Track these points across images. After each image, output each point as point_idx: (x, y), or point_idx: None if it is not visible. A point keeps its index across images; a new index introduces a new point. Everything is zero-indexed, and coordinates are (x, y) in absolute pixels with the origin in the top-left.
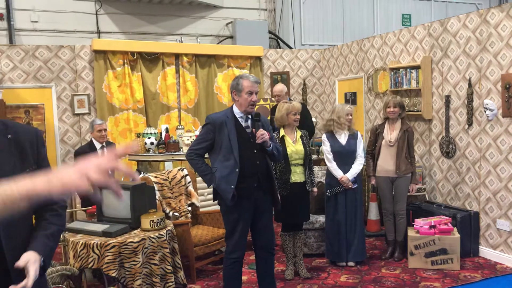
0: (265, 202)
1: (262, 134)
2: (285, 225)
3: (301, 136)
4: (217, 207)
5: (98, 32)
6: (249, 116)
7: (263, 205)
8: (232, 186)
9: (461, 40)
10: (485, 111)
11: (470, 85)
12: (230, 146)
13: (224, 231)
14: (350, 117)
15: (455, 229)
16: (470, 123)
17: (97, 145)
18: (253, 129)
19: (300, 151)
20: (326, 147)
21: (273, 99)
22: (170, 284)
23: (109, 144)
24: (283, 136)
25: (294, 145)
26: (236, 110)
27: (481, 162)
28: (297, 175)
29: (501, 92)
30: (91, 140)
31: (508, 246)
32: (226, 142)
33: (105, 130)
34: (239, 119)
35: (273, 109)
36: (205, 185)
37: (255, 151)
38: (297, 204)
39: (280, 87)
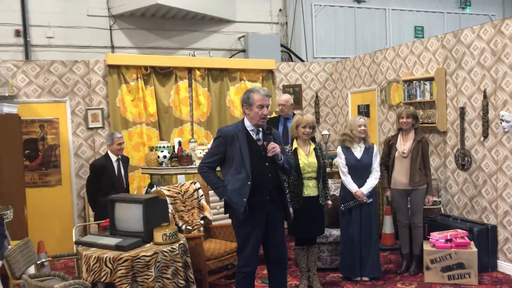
0: (277, 215)
1: (273, 147)
2: (299, 239)
3: (314, 149)
4: (230, 221)
5: (112, 47)
6: (260, 129)
7: (275, 219)
8: (244, 199)
9: (475, 52)
10: (501, 123)
11: (485, 96)
12: (241, 159)
13: (237, 244)
14: (363, 127)
15: (472, 243)
16: (486, 135)
17: (113, 158)
18: (264, 142)
19: (313, 164)
20: (341, 160)
21: (277, 109)
22: None
23: (124, 157)
24: (296, 149)
25: (307, 158)
26: (247, 123)
27: (498, 175)
28: (310, 189)
29: None
30: (107, 153)
31: None
32: (238, 155)
33: (124, 143)
34: (250, 132)
35: (270, 121)
36: (217, 198)
37: (267, 164)
38: (310, 218)
39: (285, 97)
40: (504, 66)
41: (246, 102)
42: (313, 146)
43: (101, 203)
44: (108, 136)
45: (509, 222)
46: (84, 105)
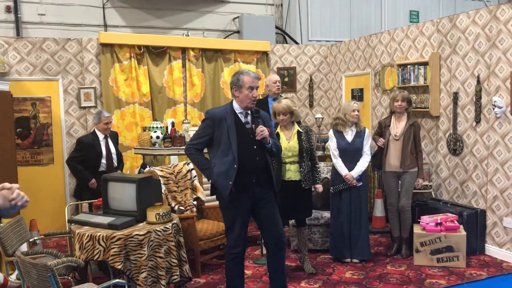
0: (266, 196)
1: (262, 131)
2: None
3: (298, 133)
4: None
5: (105, 26)
6: (249, 112)
7: (264, 199)
8: (230, 182)
9: (470, 37)
10: (493, 109)
11: (478, 82)
12: (229, 142)
13: (224, 226)
14: (356, 113)
15: (461, 226)
16: (478, 120)
17: (100, 136)
18: (253, 125)
19: (293, 148)
20: (332, 143)
21: (274, 88)
22: (175, 277)
23: (112, 134)
24: (277, 133)
25: (287, 142)
26: (236, 106)
27: (489, 160)
28: (291, 173)
29: (510, 89)
30: (94, 131)
31: None
32: (225, 137)
33: (111, 123)
34: (239, 115)
35: (258, 102)
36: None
37: (255, 147)
38: (292, 202)
39: (276, 76)
40: (498, 51)
41: (236, 84)
42: (296, 130)
43: (83, 178)
44: (96, 114)
45: (498, 206)
46: (76, 84)
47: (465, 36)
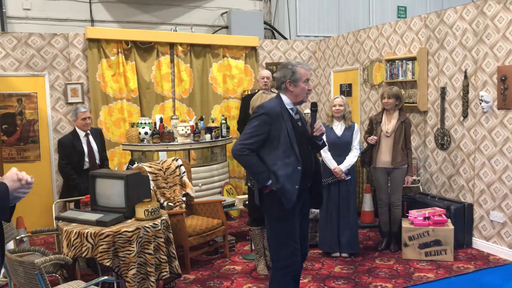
0: (308, 206)
1: (321, 126)
2: (254, 220)
3: None
4: (212, 198)
5: (92, 21)
6: (297, 108)
7: (306, 209)
8: (297, 186)
9: (458, 32)
10: (480, 103)
11: (466, 77)
12: (289, 141)
13: (218, 221)
14: (337, 107)
15: (449, 220)
16: (465, 115)
17: (81, 134)
18: (308, 121)
19: None
20: None
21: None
22: (165, 273)
23: (95, 131)
24: None
25: None
26: (287, 101)
27: (476, 154)
28: None
29: (496, 84)
30: (75, 129)
31: (501, 238)
32: (284, 136)
33: (89, 118)
34: (290, 111)
35: (249, 97)
36: (200, 175)
37: (310, 146)
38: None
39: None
40: (485, 47)
41: (291, 77)
42: None
43: (73, 183)
44: (73, 111)
45: (485, 200)
46: (63, 80)
47: (452, 32)
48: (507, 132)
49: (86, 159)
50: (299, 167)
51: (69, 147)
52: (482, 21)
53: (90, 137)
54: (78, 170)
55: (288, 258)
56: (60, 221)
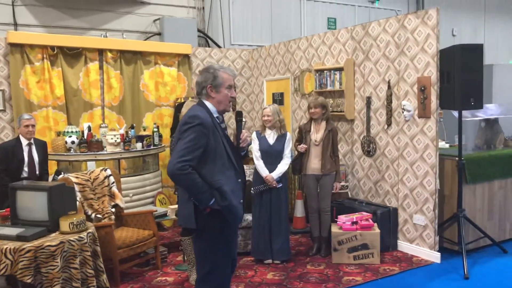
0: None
1: (248, 135)
2: (185, 229)
3: None
4: (143, 208)
5: (15, 25)
6: (222, 116)
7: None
8: (241, 201)
9: (381, 44)
10: (402, 112)
11: (389, 87)
12: (225, 152)
13: (150, 232)
14: (266, 117)
15: (375, 224)
16: (389, 123)
17: (24, 142)
18: (234, 131)
19: None
20: (255, 145)
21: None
22: None
23: (39, 142)
24: None
25: None
26: (212, 109)
27: (399, 161)
28: None
29: (417, 94)
30: (18, 137)
31: (423, 240)
32: (220, 147)
33: (33, 126)
34: (217, 119)
35: (178, 106)
36: (132, 185)
37: (240, 155)
38: None
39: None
40: (406, 58)
41: (212, 82)
42: None
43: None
44: (18, 119)
45: (408, 204)
46: None
47: (376, 43)
48: (427, 139)
49: (25, 168)
50: (239, 180)
51: (8, 152)
52: (403, 34)
53: (33, 147)
54: (14, 178)
55: (218, 282)
56: None
